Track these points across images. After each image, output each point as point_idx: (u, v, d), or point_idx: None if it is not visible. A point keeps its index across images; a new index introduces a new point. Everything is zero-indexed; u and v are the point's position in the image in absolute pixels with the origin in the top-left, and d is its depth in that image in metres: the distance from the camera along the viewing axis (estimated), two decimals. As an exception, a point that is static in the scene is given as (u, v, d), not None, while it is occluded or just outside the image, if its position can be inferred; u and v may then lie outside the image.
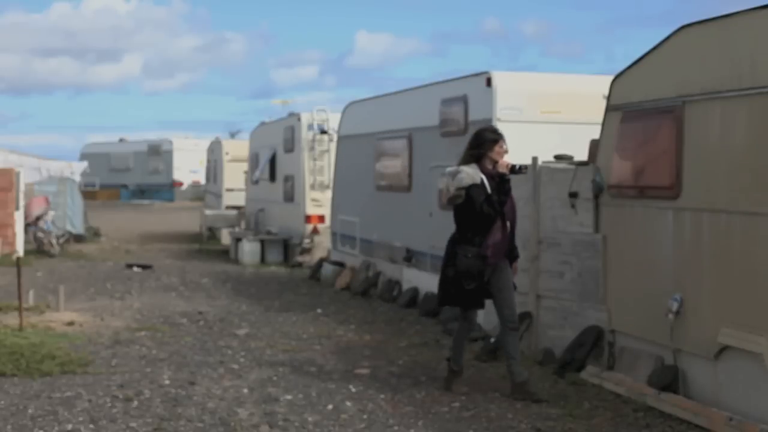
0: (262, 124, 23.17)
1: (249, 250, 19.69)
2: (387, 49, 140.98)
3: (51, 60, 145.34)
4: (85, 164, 26.50)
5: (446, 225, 12.16)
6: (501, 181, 7.55)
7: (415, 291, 12.86)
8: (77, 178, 24.97)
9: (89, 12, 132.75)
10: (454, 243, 7.84)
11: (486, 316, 10.43)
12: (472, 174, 7.55)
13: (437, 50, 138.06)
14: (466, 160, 7.72)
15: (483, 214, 7.54)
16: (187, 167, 46.05)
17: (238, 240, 20.61)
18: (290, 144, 19.55)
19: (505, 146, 7.72)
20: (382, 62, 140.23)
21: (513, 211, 7.85)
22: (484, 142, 7.70)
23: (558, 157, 9.84)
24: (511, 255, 7.87)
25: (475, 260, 7.60)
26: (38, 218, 20.96)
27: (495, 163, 7.67)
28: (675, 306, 7.19)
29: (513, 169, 7.58)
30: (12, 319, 11.01)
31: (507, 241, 7.71)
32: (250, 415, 7.15)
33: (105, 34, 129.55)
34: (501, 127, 10.99)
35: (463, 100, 11.66)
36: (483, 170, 7.63)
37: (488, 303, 10.97)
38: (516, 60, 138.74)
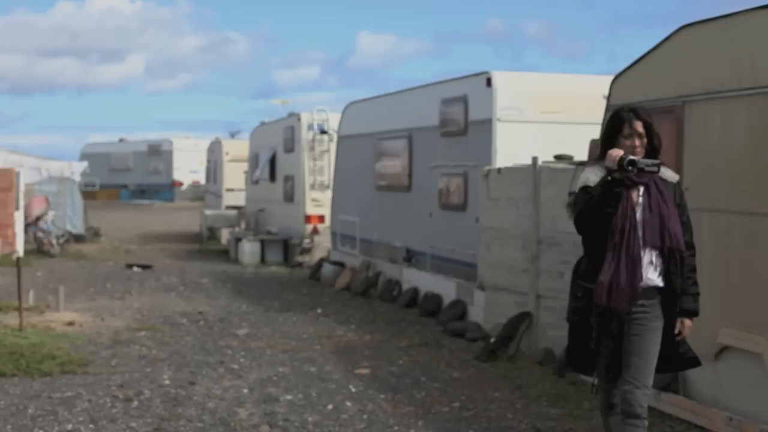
0: (262, 124, 23.18)
1: (249, 250, 19.70)
2: (389, 49, 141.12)
3: (54, 60, 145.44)
4: (85, 164, 26.46)
5: (446, 225, 12.24)
6: (604, 183, 4.93)
7: (415, 291, 12.87)
8: (77, 178, 24.94)
9: (93, 12, 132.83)
10: (575, 275, 5.27)
11: (485, 315, 10.44)
12: (587, 174, 5.10)
13: (439, 51, 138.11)
14: (600, 156, 5.18)
15: (588, 232, 5.05)
16: (187, 167, 46.04)
17: (238, 240, 20.62)
18: (290, 144, 19.56)
19: (634, 134, 5.01)
20: (384, 62, 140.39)
21: (663, 228, 4.94)
22: (606, 130, 5.17)
23: (558, 157, 9.85)
24: (673, 299, 5.02)
25: (584, 303, 5.08)
26: (38, 218, 20.97)
27: None
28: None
29: (622, 165, 4.85)
30: (12, 319, 11.01)
31: (634, 278, 4.89)
32: (250, 415, 7.15)
33: (108, 35, 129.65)
34: (501, 127, 11.11)
35: (463, 100, 11.66)
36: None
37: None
38: (518, 60, 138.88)
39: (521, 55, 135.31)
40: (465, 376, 8.58)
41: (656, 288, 4.96)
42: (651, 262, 4.94)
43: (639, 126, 5.00)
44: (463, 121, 11.65)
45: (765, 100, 6.34)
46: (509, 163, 10.32)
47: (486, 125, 11.10)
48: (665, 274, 4.95)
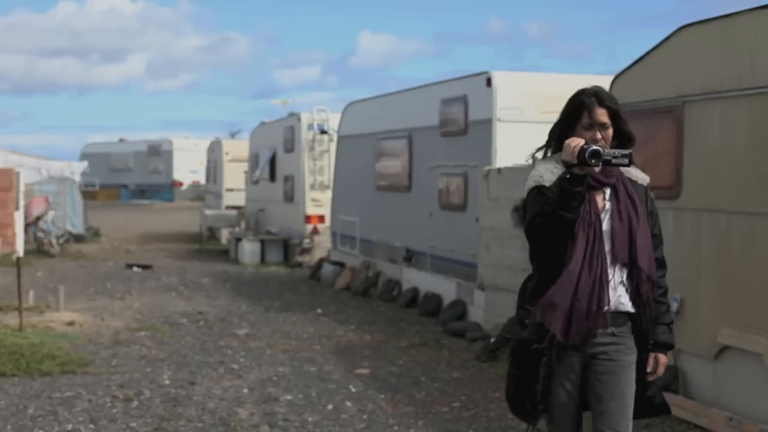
0: (262, 124, 23.18)
1: (249, 250, 19.70)
2: (390, 49, 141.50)
3: (55, 60, 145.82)
4: (85, 164, 26.48)
5: (446, 225, 12.24)
6: (561, 181, 3.89)
7: (415, 291, 12.87)
8: (77, 178, 24.95)
9: (94, 12, 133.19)
10: (521, 297, 4.32)
11: (485, 315, 10.44)
12: (540, 172, 4.07)
13: (440, 51, 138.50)
14: (553, 148, 4.20)
15: (543, 243, 3.96)
16: (187, 167, 46.05)
17: (238, 240, 20.62)
18: (290, 144, 19.56)
19: (594, 124, 3.99)
20: (384, 62, 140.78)
21: (632, 242, 3.93)
22: (561, 117, 4.22)
23: (558, 157, 9.83)
24: (644, 330, 3.98)
25: (532, 332, 4.04)
26: (38, 218, 20.97)
27: None
28: (675, 306, 7.17)
29: (582, 157, 3.85)
30: (12, 319, 11.01)
31: (592, 302, 3.85)
32: (250, 415, 7.15)
33: (109, 35, 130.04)
34: (501, 127, 11.11)
35: (463, 100, 11.66)
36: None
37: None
38: (519, 60, 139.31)
39: (522, 55, 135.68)
40: (465, 376, 8.58)
41: (627, 314, 3.93)
42: (622, 283, 3.92)
43: (603, 115, 3.97)
44: (463, 121, 11.65)
45: (765, 100, 6.34)
46: (509, 163, 10.31)
47: (486, 125, 11.11)
48: (634, 298, 3.92)
